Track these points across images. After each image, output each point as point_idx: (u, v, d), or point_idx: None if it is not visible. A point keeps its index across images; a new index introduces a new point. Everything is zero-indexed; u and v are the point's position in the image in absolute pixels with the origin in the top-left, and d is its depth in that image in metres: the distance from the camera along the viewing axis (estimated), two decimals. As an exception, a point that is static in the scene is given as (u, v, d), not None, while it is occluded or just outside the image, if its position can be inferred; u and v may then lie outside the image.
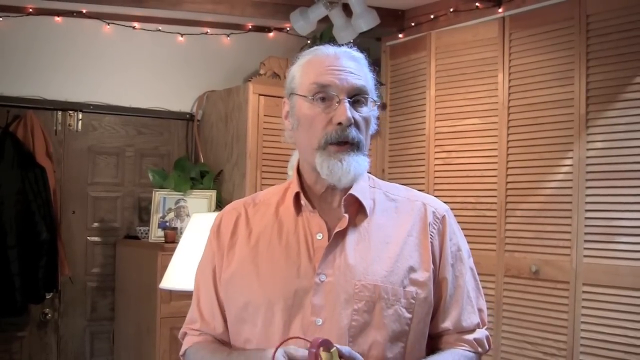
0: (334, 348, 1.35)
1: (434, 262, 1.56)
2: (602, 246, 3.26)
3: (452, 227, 1.63)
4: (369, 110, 1.55)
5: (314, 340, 1.35)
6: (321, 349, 1.34)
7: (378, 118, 1.59)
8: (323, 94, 1.51)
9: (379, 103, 1.58)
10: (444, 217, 1.61)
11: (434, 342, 1.61)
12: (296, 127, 1.56)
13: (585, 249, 3.32)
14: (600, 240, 3.27)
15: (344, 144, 1.50)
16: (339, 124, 1.49)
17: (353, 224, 1.55)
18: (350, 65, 1.54)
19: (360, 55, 1.59)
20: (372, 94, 1.56)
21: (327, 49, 1.57)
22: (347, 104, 1.50)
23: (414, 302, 1.51)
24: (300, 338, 1.39)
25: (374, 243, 1.54)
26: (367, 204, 1.57)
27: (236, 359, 1.52)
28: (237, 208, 1.67)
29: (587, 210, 3.33)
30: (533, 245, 3.57)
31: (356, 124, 1.51)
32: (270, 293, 1.51)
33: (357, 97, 1.52)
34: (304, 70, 1.56)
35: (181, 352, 1.69)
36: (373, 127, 1.57)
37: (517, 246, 3.65)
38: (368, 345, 1.46)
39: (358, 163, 1.51)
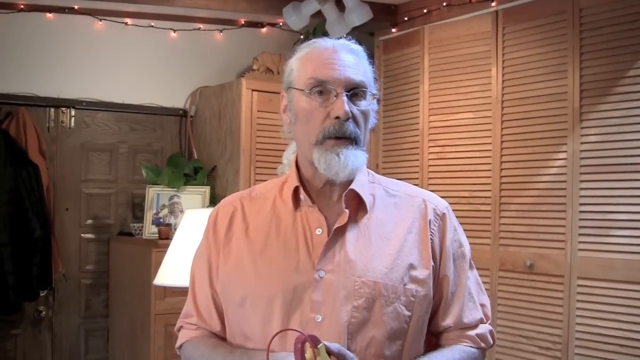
0: (321, 344, 1.32)
1: (434, 260, 1.55)
2: (597, 240, 3.26)
3: (453, 224, 1.62)
4: (368, 104, 1.53)
5: (298, 337, 1.33)
6: (307, 344, 1.32)
7: (377, 112, 1.58)
8: (321, 88, 1.49)
9: (378, 96, 1.56)
10: (444, 214, 1.60)
11: (436, 340, 1.61)
12: (294, 121, 1.55)
13: (579, 242, 3.32)
14: (595, 234, 3.27)
15: (342, 138, 1.48)
16: (337, 118, 1.47)
17: (353, 219, 1.53)
18: (349, 59, 1.52)
19: (359, 48, 1.57)
20: (371, 87, 1.54)
21: (325, 42, 1.55)
22: (345, 98, 1.48)
23: (413, 299, 1.50)
24: (298, 331, 1.37)
25: (374, 239, 1.52)
26: (367, 199, 1.55)
27: (239, 358, 1.50)
28: (233, 202, 1.65)
29: (581, 204, 3.33)
30: (527, 239, 3.57)
31: (354, 118, 1.49)
32: (268, 288, 1.49)
33: (355, 90, 1.50)
34: (301, 63, 1.54)
35: (177, 345, 1.68)
36: (372, 121, 1.55)
37: (511, 240, 3.65)
38: (366, 343, 1.45)
39: (356, 157, 1.49)
